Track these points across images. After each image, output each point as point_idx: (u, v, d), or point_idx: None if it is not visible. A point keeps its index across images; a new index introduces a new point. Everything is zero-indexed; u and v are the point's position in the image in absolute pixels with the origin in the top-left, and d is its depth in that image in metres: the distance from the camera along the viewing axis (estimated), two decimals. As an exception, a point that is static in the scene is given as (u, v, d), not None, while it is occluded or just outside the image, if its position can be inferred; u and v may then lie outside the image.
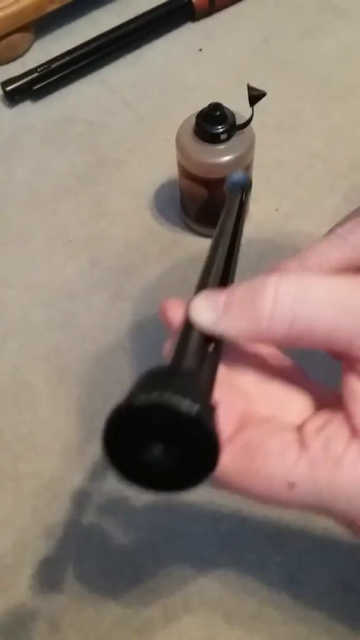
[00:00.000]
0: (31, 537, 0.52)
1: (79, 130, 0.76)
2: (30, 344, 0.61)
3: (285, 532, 0.51)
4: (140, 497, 0.52)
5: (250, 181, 0.42)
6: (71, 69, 0.78)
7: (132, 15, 0.83)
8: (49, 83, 0.77)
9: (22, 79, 0.76)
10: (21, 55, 0.83)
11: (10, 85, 0.76)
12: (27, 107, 0.78)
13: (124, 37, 0.81)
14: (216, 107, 0.56)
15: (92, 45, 0.80)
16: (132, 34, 0.82)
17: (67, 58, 0.78)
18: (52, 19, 0.83)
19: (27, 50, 0.83)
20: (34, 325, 0.62)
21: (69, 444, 0.56)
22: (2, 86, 0.76)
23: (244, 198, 0.41)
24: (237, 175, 0.43)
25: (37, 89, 0.77)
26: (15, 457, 0.56)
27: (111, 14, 0.87)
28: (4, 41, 0.79)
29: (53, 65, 0.77)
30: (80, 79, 0.80)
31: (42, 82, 0.77)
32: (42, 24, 0.83)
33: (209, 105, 0.56)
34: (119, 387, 0.59)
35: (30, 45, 0.83)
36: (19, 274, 0.66)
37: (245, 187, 0.41)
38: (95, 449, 0.55)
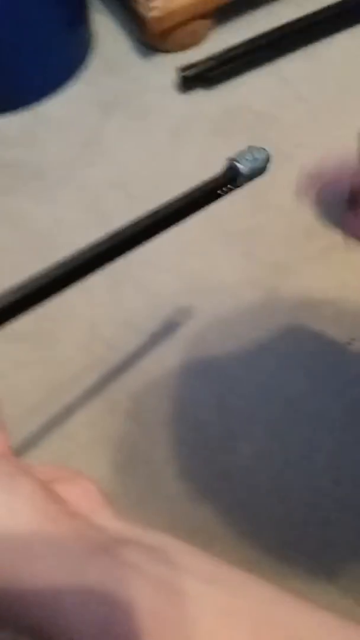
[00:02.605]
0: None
1: (248, 121, 0.75)
2: (177, 329, 0.62)
3: None
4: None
5: (264, 168, 0.36)
6: (247, 59, 0.77)
7: (313, 8, 0.80)
8: (223, 72, 0.77)
9: (199, 66, 0.76)
10: (199, 43, 0.83)
11: (187, 71, 0.76)
12: (199, 95, 0.78)
13: (304, 29, 0.79)
14: None
15: (271, 37, 0.78)
16: (313, 27, 0.79)
17: (245, 48, 0.77)
18: (232, 7, 0.83)
19: (205, 38, 0.83)
20: (180, 312, 0.63)
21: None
22: (178, 72, 0.77)
23: (227, 188, 0.36)
24: (253, 154, 0.37)
25: (211, 76, 0.77)
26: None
27: (292, 6, 0.84)
28: (185, 28, 0.80)
29: (230, 54, 0.76)
30: (254, 69, 0.79)
31: (217, 70, 0.76)
32: (223, 13, 0.83)
33: None
34: (258, 388, 0.58)
35: (209, 34, 0.83)
36: (171, 260, 0.66)
37: (246, 176, 0.36)
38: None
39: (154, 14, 0.77)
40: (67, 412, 0.59)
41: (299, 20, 0.78)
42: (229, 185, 0.36)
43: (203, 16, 0.80)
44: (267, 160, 0.37)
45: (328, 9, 0.80)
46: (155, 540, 0.27)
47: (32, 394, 0.59)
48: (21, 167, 0.76)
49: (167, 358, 0.61)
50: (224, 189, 0.35)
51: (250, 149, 0.37)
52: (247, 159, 0.36)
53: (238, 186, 0.37)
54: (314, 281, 0.61)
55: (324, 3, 0.79)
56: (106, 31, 0.87)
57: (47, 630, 0.23)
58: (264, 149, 0.37)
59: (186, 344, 0.61)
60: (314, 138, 0.72)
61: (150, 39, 0.81)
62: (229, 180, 0.36)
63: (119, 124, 0.78)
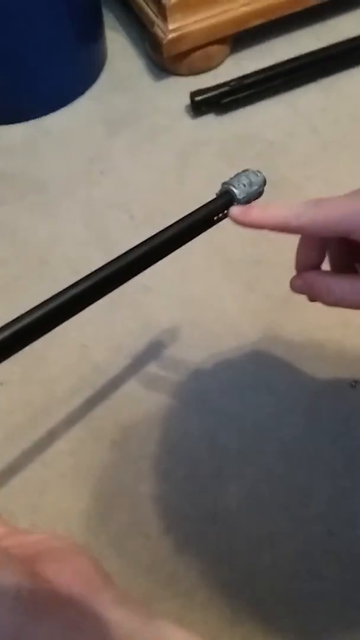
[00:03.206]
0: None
1: (258, 149, 0.73)
2: (173, 358, 0.59)
3: None
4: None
5: (262, 191, 0.40)
6: (262, 87, 0.76)
7: (332, 41, 0.80)
8: (237, 98, 0.75)
9: (212, 91, 0.75)
10: (214, 68, 0.82)
11: (200, 96, 0.75)
12: (210, 120, 0.77)
13: (322, 61, 0.78)
14: None
15: (288, 66, 0.77)
16: (331, 59, 0.78)
17: (261, 76, 0.76)
18: (250, 34, 0.82)
19: (220, 63, 0.82)
20: (176, 340, 0.60)
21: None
22: (191, 96, 0.75)
23: (223, 214, 0.38)
24: (248, 179, 0.38)
25: (224, 103, 0.75)
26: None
27: (311, 37, 0.84)
28: (200, 51, 0.79)
29: (245, 82, 0.75)
30: (268, 98, 0.78)
31: (230, 96, 0.75)
32: (240, 39, 0.82)
33: None
34: (252, 426, 0.55)
35: (225, 59, 0.82)
36: (170, 286, 0.64)
37: (242, 201, 0.38)
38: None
39: (170, 36, 0.76)
40: (49, 437, 0.55)
41: (317, 52, 0.77)
42: (225, 211, 0.36)
43: (220, 41, 0.79)
44: (263, 184, 0.38)
45: (347, 42, 0.79)
46: (156, 636, 0.24)
47: (11, 416, 0.56)
48: (21, 179, 0.74)
49: (158, 387, 0.58)
50: (220, 214, 0.36)
51: (246, 172, 0.36)
52: (243, 184, 0.36)
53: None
54: (317, 318, 0.59)
55: (343, 36, 0.78)
56: (119, 49, 0.86)
57: None
58: (260, 173, 0.37)
59: (180, 374, 0.58)
60: (325, 171, 0.70)
61: (164, 60, 0.80)
62: (225, 205, 0.36)
63: (126, 143, 0.76)
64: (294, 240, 0.65)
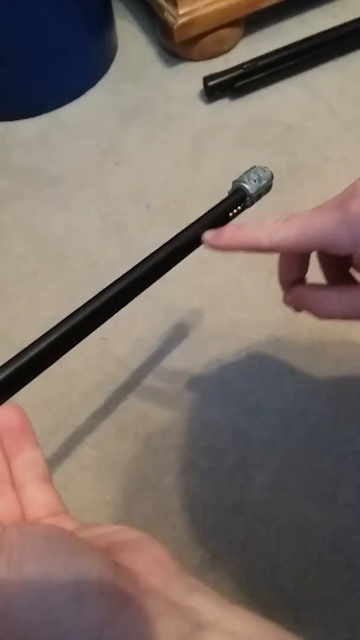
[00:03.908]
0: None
1: (275, 133, 0.72)
2: (194, 348, 0.58)
3: None
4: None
5: (270, 185, 0.40)
6: (276, 68, 0.74)
7: (348, 18, 0.78)
8: (251, 81, 0.74)
9: (226, 75, 0.73)
10: (226, 51, 0.80)
11: (213, 80, 0.73)
12: (224, 104, 0.76)
13: (338, 39, 0.76)
14: None
15: (302, 46, 0.75)
16: (348, 37, 0.76)
17: (274, 57, 0.74)
18: (263, 15, 0.80)
19: (233, 46, 0.80)
20: (200, 330, 0.59)
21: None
22: (204, 81, 0.74)
23: (238, 209, 0.39)
24: (257, 175, 0.39)
25: (238, 86, 0.74)
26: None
27: (326, 15, 0.82)
28: (212, 35, 0.77)
29: (259, 64, 0.73)
30: (283, 79, 0.76)
31: (244, 80, 0.74)
32: (253, 21, 0.80)
33: None
34: (277, 415, 0.54)
35: (237, 42, 0.81)
36: (190, 275, 0.63)
37: (254, 196, 0.39)
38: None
39: (180, 21, 0.74)
40: (72, 431, 0.55)
41: (333, 30, 0.75)
42: (238, 207, 0.38)
43: (231, 24, 0.78)
44: (271, 178, 0.39)
45: (363, 19, 0.77)
46: (236, 623, 0.24)
47: (34, 411, 0.56)
48: (36, 174, 0.73)
49: (180, 378, 0.57)
50: (234, 210, 0.38)
51: (254, 169, 0.38)
52: (253, 179, 0.38)
53: (248, 206, 0.39)
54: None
55: (359, 13, 0.76)
56: (130, 38, 0.85)
57: None
58: (267, 168, 0.39)
59: (201, 364, 0.57)
60: (344, 152, 0.68)
61: (176, 46, 0.79)
62: (239, 201, 0.38)
63: (140, 132, 0.75)
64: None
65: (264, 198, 0.70)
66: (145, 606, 0.24)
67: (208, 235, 0.37)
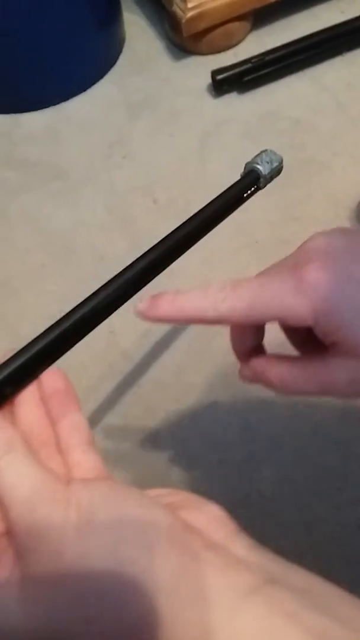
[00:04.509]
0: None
1: (283, 128, 0.72)
2: (198, 344, 0.58)
3: None
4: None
5: (281, 168, 0.39)
6: (284, 63, 0.74)
7: (356, 13, 0.77)
8: (259, 76, 0.74)
9: (234, 69, 0.73)
10: (235, 45, 0.80)
11: (221, 74, 0.73)
12: (232, 99, 0.75)
13: (347, 34, 0.75)
14: None
15: (311, 41, 0.75)
16: (356, 32, 0.76)
17: (283, 51, 0.74)
18: (271, 10, 0.80)
19: (241, 40, 0.80)
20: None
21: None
22: (212, 75, 0.74)
23: (251, 190, 0.38)
24: (269, 157, 0.38)
25: (246, 80, 0.73)
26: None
27: (334, 11, 0.81)
28: (220, 29, 0.77)
29: (267, 58, 0.73)
30: (291, 74, 0.76)
31: (253, 74, 0.73)
32: (261, 15, 0.80)
33: None
34: (285, 410, 0.54)
35: (246, 36, 0.80)
36: (198, 270, 0.63)
37: (267, 177, 0.38)
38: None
39: (189, 14, 0.74)
40: (79, 425, 0.55)
41: (341, 25, 0.75)
42: (252, 188, 0.38)
43: (240, 18, 0.77)
44: (281, 161, 0.39)
45: (371, 14, 0.76)
46: (301, 581, 0.24)
47: (42, 404, 0.56)
48: (43, 166, 0.73)
49: (187, 372, 0.57)
50: (248, 191, 0.37)
51: (265, 152, 0.39)
52: (266, 161, 0.38)
53: (260, 187, 0.38)
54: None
55: (367, 9, 0.76)
56: (138, 31, 0.85)
57: None
58: (276, 152, 0.39)
59: (208, 358, 0.57)
60: (352, 147, 0.68)
61: (184, 40, 0.78)
62: (253, 182, 0.38)
63: (147, 126, 0.75)
64: (322, 215, 0.64)
65: (272, 193, 0.69)
66: (214, 558, 0.24)
67: (142, 304, 0.33)
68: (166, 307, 0.32)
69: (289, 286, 0.29)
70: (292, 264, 0.31)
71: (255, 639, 0.21)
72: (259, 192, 0.70)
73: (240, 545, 0.25)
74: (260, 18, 0.81)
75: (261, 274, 0.33)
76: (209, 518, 0.27)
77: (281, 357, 0.34)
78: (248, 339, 0.36)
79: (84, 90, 0.80)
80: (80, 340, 0.33)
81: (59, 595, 0.23)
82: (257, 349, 0.36)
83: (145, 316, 0.33)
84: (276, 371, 0.33)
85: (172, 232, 0.36)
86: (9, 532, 0.25)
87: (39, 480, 0.25)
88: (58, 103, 0.79)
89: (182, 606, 0.22)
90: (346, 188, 0.65)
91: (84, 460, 0.29)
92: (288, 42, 0.75)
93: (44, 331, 0.32)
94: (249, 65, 0.73)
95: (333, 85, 0.74)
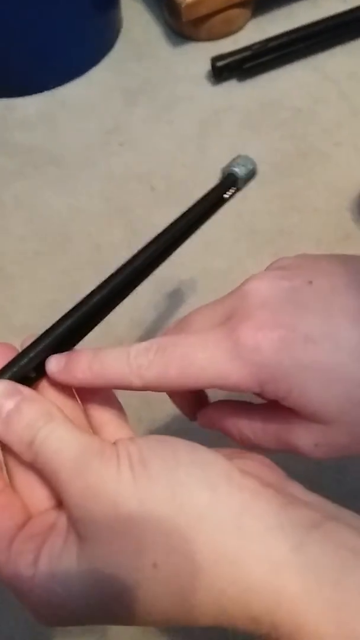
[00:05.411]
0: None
1: (284, 117, 0.70)
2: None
3: None
4: None
5: (255, 171, 0.39)
6: (286, 50, 0.73)
7: (359, 3, 0.76)
8: (260, 63, 0.72)
9: (234, 56, 0.72)
10: (234, 32, 0.79)
11: (221, 61, 0.72)
12: (232, 86, 0.74)
13: (349, 23, 0.74)
14: None
15: (313, 29, 0.74)
16: (358, 21, 0.75)
17: (285, 39, 0.73)
18: (273, -3, 0.79)
19: (241, 27, 0.79)
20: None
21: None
22: (212, 61, 0.72)
23: (229, 193, 0.38)
24: (244, 161, 0.38)
25: (246, 68, 0.72)
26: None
27: (336, 0, 0.80)
28: (220, 15, 0.76)
29: (269, 45, 0.72)
30: (293, 62, 0.75)
31: (253, 61, 0.72)
32: (262, 1, 0.79)
33: None
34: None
35: (246, 23, 0.79)
36: (196, 258, 0.62)
37: (244, 179, 0.38)
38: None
39: (188, 0, 0.73)
40: (74, 415, 0.54)
41: (344, 14, 0.74)
42: (230, 189, 0.38)
43: (241, 4, 0.76)
44: (255, 165, 0.39)
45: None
46: (356, 521, 0.25)
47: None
48: (38, 152, 0.71)
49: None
50: (228, 192, 0.38)
51: (238, 157, 0.39)
52: (241, 165, 0.39)
53: (239, 189, 0.39)
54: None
55: (369, -3, 0.75)
56: (135, 15, 0.83)
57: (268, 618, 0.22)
58: (249, 156, 0.39)
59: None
60: (355, 137, 0.67)
61: (183, 26, 0.77)
62: (230, 185, 0.38)
63: (145, 113, 0.74)
64: (323, 205, 0.63)
65: (273, 183, 0.69)
66: (274, 496, 0.24)
67: (53, 364, 0.28)
68: (81, 373, 0.28)
69: (225, 349, 0.26)
70: (227, 316, 0.28)
71: (327, 572, 0.22)
72: (262, 182, 0.69)
73: (293, 488, 0.26)
74: (261, 5, 0.79)
75: (196, 332, 0.28)
76: (261, 464, 0.27)
77: (240, 407, 0.31)
78: (191, 401, 0.34)
79: (80, 75, 0.78)
80: (99, 322, 0.32)
81: (123, 546, 0.23)
82: (206, 400, 0.34)
83: (56, 378, 0.28)
84: (235, 422, 0.30)
85: (160, 233, 0.36)
86: (59, 499, 0.25)
87: (84, 442, 0.25)
88: (53, 88, 0.77)
89: (248, 542, 0.22)
90: (347, 178, 0.64)
91: (119, 435, 0.28)
92: (290, 30, 0.74)
93: (65, 314, 0.31)
94: (250, 52, 0.72)
95: (335, 74, 0.73)
